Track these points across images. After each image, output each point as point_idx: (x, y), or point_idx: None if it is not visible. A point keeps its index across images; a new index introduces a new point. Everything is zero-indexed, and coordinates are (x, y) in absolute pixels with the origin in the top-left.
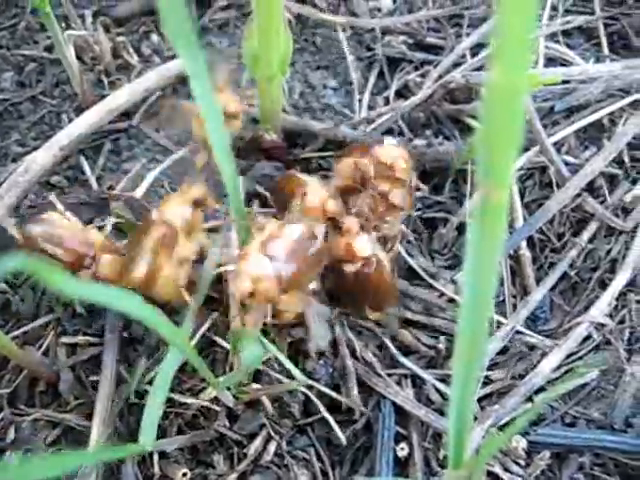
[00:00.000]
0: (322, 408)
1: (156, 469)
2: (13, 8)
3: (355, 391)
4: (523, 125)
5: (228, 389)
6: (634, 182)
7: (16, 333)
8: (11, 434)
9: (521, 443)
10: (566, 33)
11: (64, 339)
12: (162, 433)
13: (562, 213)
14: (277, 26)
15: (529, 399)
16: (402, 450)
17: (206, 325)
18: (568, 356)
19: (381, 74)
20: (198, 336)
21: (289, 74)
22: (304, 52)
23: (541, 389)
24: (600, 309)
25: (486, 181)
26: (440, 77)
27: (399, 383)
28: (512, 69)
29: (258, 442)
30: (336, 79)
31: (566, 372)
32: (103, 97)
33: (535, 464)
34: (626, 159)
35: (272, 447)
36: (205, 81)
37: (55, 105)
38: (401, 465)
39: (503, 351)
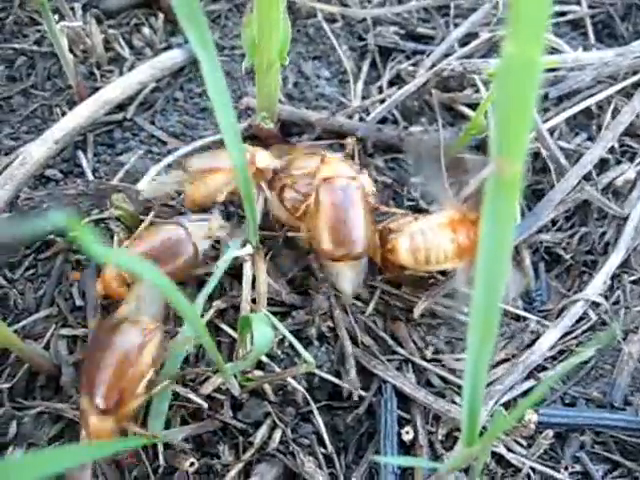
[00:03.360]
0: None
1: (161, 460)
2: (0, 3)
3: (353, 373)
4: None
5: (234, 377)
6: (624, 166)
7: (15, 327)
8: (13, 429)
9: (533, 417)
10: (553, 23)
11: (64, 331)
12: (166, 424)
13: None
14: (277, 12)
15: (527, 378)
16: (407, 434)
17: (211, 312)
18: (564, 335)
19: (373, 64)
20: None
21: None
22: (297, 43)
23: (539, 369)
24: (595, 288)
25: (500, 155)
26: (433, 65)
27: (399, 368)
28: (528, 40)
29: (263, 431)
30: (329, 69)
31: (562, 352)
32: (95, 90)
33: (538, 443)
34: (616, 144)
35: (277, 435)
36: (216, 66)
37: (47, 98)
38: (406, 448)
39: (501, 332)
